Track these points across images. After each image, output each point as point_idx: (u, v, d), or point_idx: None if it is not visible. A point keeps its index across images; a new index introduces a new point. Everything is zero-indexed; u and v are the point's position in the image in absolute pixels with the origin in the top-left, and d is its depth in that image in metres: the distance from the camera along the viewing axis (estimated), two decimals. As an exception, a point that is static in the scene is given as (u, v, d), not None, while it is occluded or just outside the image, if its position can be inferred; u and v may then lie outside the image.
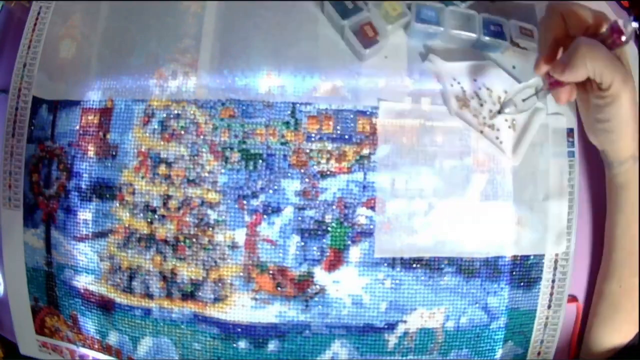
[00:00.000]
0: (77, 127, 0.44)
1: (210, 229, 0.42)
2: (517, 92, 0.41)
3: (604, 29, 0.37)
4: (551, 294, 0.43)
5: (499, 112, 0.42)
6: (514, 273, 0.43)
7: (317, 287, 0.42)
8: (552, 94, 0.40)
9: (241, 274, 0.42)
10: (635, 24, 0.35)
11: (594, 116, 0.39)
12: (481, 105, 0.43)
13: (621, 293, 0.41)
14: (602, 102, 0.37)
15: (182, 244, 0.42)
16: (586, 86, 0.38)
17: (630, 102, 0.37)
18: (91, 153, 0.44)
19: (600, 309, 0.42)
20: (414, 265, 0.42)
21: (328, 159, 0.42)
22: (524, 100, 0.41)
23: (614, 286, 0.41)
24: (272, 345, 0.42)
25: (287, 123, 0.42)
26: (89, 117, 0.44)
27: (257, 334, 0.42)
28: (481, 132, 0.42)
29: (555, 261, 0.43)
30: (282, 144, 0.42)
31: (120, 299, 0.43)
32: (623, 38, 0.35)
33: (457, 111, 0.42)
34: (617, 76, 0.36)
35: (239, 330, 0.42)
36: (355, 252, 0.42)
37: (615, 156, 0.40)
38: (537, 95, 0.40)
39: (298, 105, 0.43)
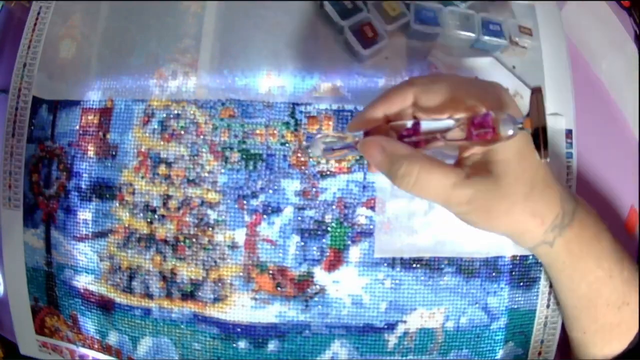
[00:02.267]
0: (77, 127, 0.44)
1: (210, 229, 0.42)
2: (326, 137, 0.34)
3: (468, 114, 0.30)
4: (550, 294, 0.43)
5: (306, 147, 0.40)
6: (513, 273, 0.43)
7: (317, 287, 0.42)
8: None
9: (241, 274, 0.42)
10: (511, 132, 0.27)
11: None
12: None
13: (588, 336, 0.39)
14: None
15: (182, 244, 0.42)
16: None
17: (505, 217, 0.32)
18: (91, 153, 0.44)
19: (573, 344, 0.41)
20: (414, 265, 0.42)
21: (328, 159, 0.42)
22: (334, 149, 0.34)
23: (579, 334, 0.40)
24: (272, 345, 0.42)
25: (287, 123, 0.42)
26: (89, 117, 0.44)
27: (257, 334, 0.42)
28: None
29: (555, 261, 0.43)
30: (282, 144, 0.42)
31: (120, 298, 0.43)
32: (510, 131, 0.27)
33: None
34: (463, 209, 0.32)
35: (239, 330, 0.42)
36: (355, 252, 0.42)
37: (525, 246, 0.37)
38: (348, 150, 0.34)
39: (298, 105, 0.43)
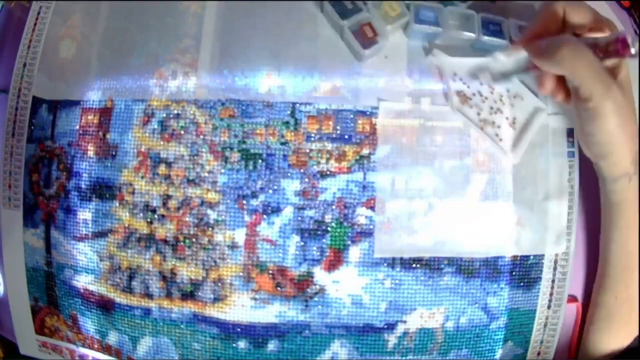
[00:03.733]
0: (77, 127, 0.44)
1: (210, 228, 0.42)
2: (499, 61, 0.40)
3: (608, 34, 0.35)
4: (551, 294, 0.43)
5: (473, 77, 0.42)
6: (513, 273, 0.42)
7: (317, 287, 0.42)
8: (536, 78, 0.39)
9: (241, 273, 0.42)
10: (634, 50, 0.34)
11: (581, 127, 0.38)
12: (483, 101, 0.43)
13: (617, 304, 0.40)
14: (584, 114, 0.36)
15: (182, 243, 0.42)
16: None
17: (617, 117, 0.35)
18: (91, 153, 0.44)
19: (596, 318, 0.42)
20: (414, 265, 0.42)
21: (328, 159, 0.42)
22: (503, 74, 0.40)
23: (610, 298, 0.41)
24: (271, 345, 0.42)
25: (287, 123, 0.42)
26: (89, 117, 0.44)
27: (256, 333, 0.42)
28: (481, 128, 0.42)
29: (555, 261, 0.43)
30: (281, 144, 0.42)
31: (120, 298, 0.43)
32: (632, 50, 0.34)
33: (459, 107, 0.42)
34: (596, 89, 0.34)
35: (239, 330, 0.42)
36: (355, 252, 0.42)
37: (609, 172, 0.39)
38: (517, 71, 0.39)
39: (298, 105, 0.43)
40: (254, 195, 0.42)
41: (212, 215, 0.42)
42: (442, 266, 0.42)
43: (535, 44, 0.36)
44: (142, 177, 0.43)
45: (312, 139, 0.42)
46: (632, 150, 0.37)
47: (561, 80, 0.38)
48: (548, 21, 0.37)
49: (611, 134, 0.36)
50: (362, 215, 0.42)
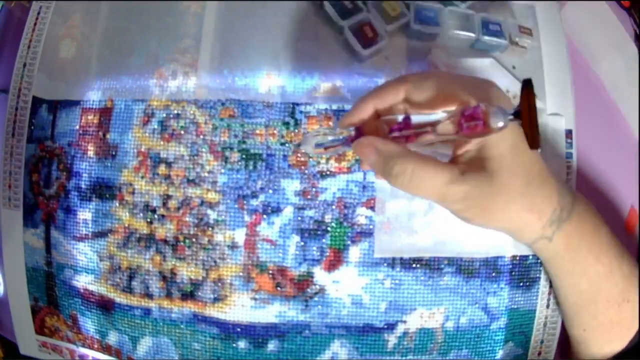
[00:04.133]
0: (77, 127, 0.44)
1: (210, 228, 0.42)
2: (317, 134, 0.34)
3: (454, 110, 0.30)
4: (550, 294, 0.43)
5: (297, 145, 0.41)
6: (513, 273, 0.43)
7: (317, 287, 0.42)
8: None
9: (241, 273, 0.42)
10: (501, 124, 0.27)
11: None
12: None
13: (588, 334, 0.39)
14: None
15: (182, 243, 0.42)
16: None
17: (501, 208, 0.32)
18: (91, 153, 0.44)
19: (574, 344, 0.41)
20: (414, 265, 0.42)
21: (328, 159, 0.42)
22: (326, 148, 0.34)
23: (578, 331, 0.40)
24: (271, 345, 0.42)
25: (287, 123, 0.42)
26: (89, 117, 0.44)
27: (256, 333, 0.42)
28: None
29: (555, 261, 0.43)
30: (281, 144, 0.42)
31: (120, 298, 0.43)
32: (498, 123, 0.27)
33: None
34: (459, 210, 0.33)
35: (239, 330, 0.42)
36: (355, 252, 0.42)
37: (523, 241, 0.37)
38: (341, 146, 0.34)
39: (298, 105, 0.43)
40: (254, 195, 0.42)
41: (212, 215, 0.42)
42: (442, 266, 0.42)
43: (369, 144, 0.32)
44: (142, 177, 0.43)
45: (312, 139, 0.42)
46: (546, 213, 0.34)
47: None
48: (385, 99, 0.33)
49: (506, 224, 0.34)
50: (362, 215, 0.42)
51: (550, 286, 0.42)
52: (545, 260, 0.39)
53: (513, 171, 0.32)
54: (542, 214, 0.34)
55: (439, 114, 0.30)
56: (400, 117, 0.31)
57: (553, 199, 0.34)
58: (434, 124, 0.30)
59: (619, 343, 0.39)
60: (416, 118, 0.31)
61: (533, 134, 0.27)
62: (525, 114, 0.27)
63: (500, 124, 0.27)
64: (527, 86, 0.27)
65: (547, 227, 0.34)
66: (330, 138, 0.34)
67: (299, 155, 0.42)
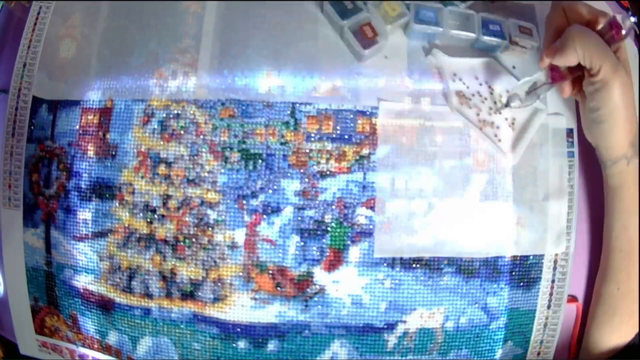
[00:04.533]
0: (77, 127, 0.44)
1: (210, 228, 0.42)
2: (521, 85, 0.42)
3: (603, 24, 0.38)
4: (551, 294, 0.43)
5: (506, 105, 0.42)
6: (513, 273, 0.42)
7: (317, 287, 0.42)
8: (559, 88, 0.41)
9: (241, 273, 0.42)
10: (633, 19, 0.36)
11: (586, 106, 0.40)
12: (482, 102, 0.43)
13: (619, 296, 0.41)
14: (591, 89, 0.38)
15: (182, 243, 0.42)
16: (583, 78, 0.39)
17: (622, 93, 0.37)
18: (91, 153, 0.44)
19: (599, 311, 0.42)
20: (414, 265, 0.42)
21: (328, 159, 0.42)
22: (527, 93, 0.41)
23: (612, 289, 0.41)
24: (271, 345, 0.42)
25: (287, 123, 0.42)
26: (89, 117, 0.44)
27: (256, 333, 0.42)
28: (480, 129, 0.42)
29: (555, 261, 0.43)
30: (281, 144, 0.42)
31: (120, 298, 0.43)
32: (623, 32, 0.36)
33: (458, 107, 0.42)
34: (606, 62, 0.36)
35: (239, 330, 0.42)
36: (354, 252, 0.42)
37: (608, 154, 0.40)
38: (541, 88, 0.41)
39: (298, 105, 0.43)
40: (254, 195, 0.42)
41: (212, 215, 0.42)
42: (442, 266, 0.42)
43: (550, 47, 0.39)
44: (142, 177, 0.43)
45: (312, 139, 0.42)
46: (631, 132, 0.39)
47: (576, 83, 0.40)
48: (557, 25, 0.40)
49: (615, 108, 0.38)
50: (362, 215, 0.42)
51: (552, 286, 0.42)
52: (614, 189, 0.41)
53: (631, 81, 0.38)
54: (631, 130, 0.39)
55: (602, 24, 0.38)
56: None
57: (636, 125, 0.39)
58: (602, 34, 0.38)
59: (630, 333, 0.40)
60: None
61: None
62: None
63: (632, 19, 0.37)
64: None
65: (631, 147, 0.39)
66: (537, 83, 0.41)
67: (298, 155, 0.42)
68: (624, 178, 0.40)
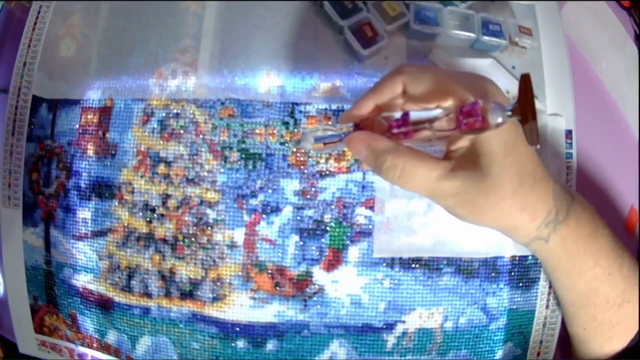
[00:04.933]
0: (77, 126, 0.44)
1: (209, 228, 0.42)
2: (317, 130, 0.34)
3: (451, 105, 0.30)
4: (549, 294, 0.43)
5: (296, 143, 0.40)
6: (512, 274, 0.42)
7: (316, 286, 0.42)
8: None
9: (240, 273, 0.42)
10: (500, 120, 0.27)
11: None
12: None
13: (588, 333, 0.39)
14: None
15: (181, 243, 0.42)
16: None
17: (495, 208, 0.32)
18: (90, 152, 0.44)
19: (575, 343, 0.41)
20: (413, 265, 0.42)
21: (327, 159, 0.42)
22: (325, 143, 0.34)
23: (578, 330, 0.40)
24: (270, 345, 0.42)
25: (287, 123, 0.42)
26: (89, 116, 0.44)
27: (255, 333, 0.42)
28: None
29: (555, 261, 0.43)
30: (281, 143, 0.42)
31: (119, 297, 0.43)
32: (496, 119, 0.27)
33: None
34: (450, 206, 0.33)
35: (238, 329, 0.42)
36: (354, 252, 0.42)
37: (519, 241, 0.36)
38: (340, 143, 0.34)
39: (297, 105, 0.43)
40: (253, 194, 0.42)
41: (212, 214, 0.42)
42: (441, 266, 0.42)
43: (360, 139, 0.32)
44: (142, 177, 0.43)
45: (312, 138, 0.42)
46: (540, 214, 0.33)
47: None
48: (383, 94, 0.33)
49: (499, 223, 0.34)
50: (361, 215, 0.42)
51: (550, 286, 0.42)
52: (543, 261, 0.39)
53: (505, 169, 0.31)
54: (535, 214, 0.33)
55: (436, 111, 0.30)
56: (398, 114, 0.31)
57: (548, 200, 0.34)
58: (431, 121, 0.29)
59: (619, 342, 0.38)
60: (414, 115, 0.31)
61: (532, 130, 0.26)
62: (524, 110, 0.26)
63: (499, 119, 0.26)
64: (525, 82, 0.27)
65: (542, 229, 0.34)
66: (329, 133, 0.33)
67: (298, 154, 0.42)
68: (548, 254, 0.36)
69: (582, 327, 0.39)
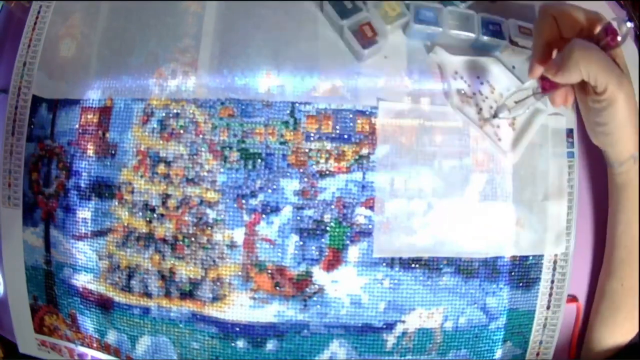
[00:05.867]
0: (77, 126, 0.44)
1: (209, 228, 0.42)
2: (510, 95, 0.40)
3: (598, 30, 0.36)
4: (550, 295, 0.43)
5: (494, 116, 0.41)
6: (512, 274, 0.42)
7: (316, 286, 0.42)
8: (549, 98, 0.40)
9: (240, 273, 0.42)
10: (629, 24, 0.35)
11: (592, 119, 0.39)
12: (483, 101, 0.43)
13: (623, 292, 0.41)
14: (598, 106, 0.37)
15: (181, 243, 0.42)
16: (583, 88, 0.38)
17: (627, 105, 0.36)
18: (90, 152, 0.44)
19: (602, 307, 0.42)
20: (413, 265, 0.42)
21: (327, 159, 0.42)
22: (517, 102, 0.40)
23: (616, 285, 0.41)
24: (270, 345, 0.42)
25: (286, 123, 0.42)
26: (89, 116, 0.44)
27: (255, 333, 0.42)
28: (481, 127, 0.42)
29: (554, 262, 0.43)
30: (281, 143, 0.42)
31: (119, 297, 0.43)
32: (618, 39, 0.35)
33: (459, 105, 0.42)
34: (611, 80, 0.35)
35: (238, 329, 0.42)
36: (354, 252, 0.42)
37: (616, 157, 0.40)
38: (530, 98, 0.40)
39: (297, 104, 0.43)
40: (253, 194, 0.42)
41: (211, 214, 0.42)
42: (441, 266, 0.42)
43: (549, 64, 0.37)
44: (142, 176, 0.43)
45: (312, 138, 0.42)
46: (636, 134, 0.38)
47: (568, 91, 0.39)
48: (548, 36, 0.38)
49: (622, 121, 0.37)
50: (361, 215, 0.42)
51: (551, 287, 0.42)
52: (620, 186, 0.41)
53: (631, 83, 0.37)
54: (635, 135, 0.38)
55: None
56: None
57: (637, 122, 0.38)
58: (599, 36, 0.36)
59: (632, 330, 0.40)
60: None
61: None
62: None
63: (629, 24, 0.35)
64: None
65: (636, 148, 0.38)
66: (523, 96, 0.40)
67: (298, 154, 0.42)
68: (631, 176, 0.40)
69: (621, 281, 0.41)
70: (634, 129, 0.38)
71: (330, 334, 0.42)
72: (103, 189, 0.43)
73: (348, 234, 0.42)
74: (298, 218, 0.42)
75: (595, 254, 0.44)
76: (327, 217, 0.42)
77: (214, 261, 0.42)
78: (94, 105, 0.44)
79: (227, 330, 0.42)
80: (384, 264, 0.42)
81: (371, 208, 0.42)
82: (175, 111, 0.43)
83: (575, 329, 0.44)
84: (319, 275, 0.41)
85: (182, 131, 0.43)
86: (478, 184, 0.42)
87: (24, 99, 0.46)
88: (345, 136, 0.42)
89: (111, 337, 0.45)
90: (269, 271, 0.42)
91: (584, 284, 0.44)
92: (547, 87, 0.38)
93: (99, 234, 0.43)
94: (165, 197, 0.42)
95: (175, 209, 0.42)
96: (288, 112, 0.42)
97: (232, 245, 0.42)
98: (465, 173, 0.42)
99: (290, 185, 0.42)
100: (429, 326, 0.42)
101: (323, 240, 0.42)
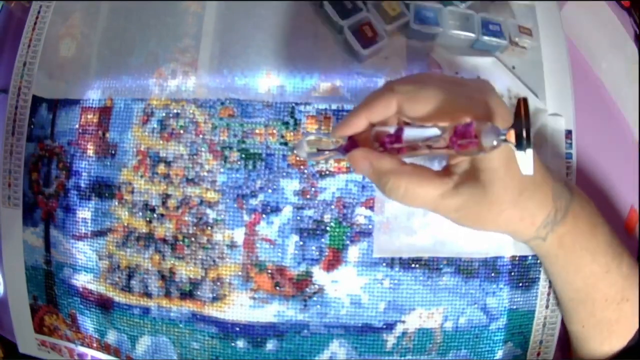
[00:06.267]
0: (77, 126, 0.44)
1: (209, 228, 0.42)
2: (313, 138, 0.33)
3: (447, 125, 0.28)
4: (549, 294, 0.43)
5: (292, 149, 0.40)
6: (512, 274, 0.42)
7: (316, 286, 0.42)
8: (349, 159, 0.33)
9: (240, 273, 0.42)
10: (496, 142, 0.26)
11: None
12: None
13: (587, 331, 0.39)
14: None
15: (181, 243, 0.42)
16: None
17: (496, 220, 0.33)
18: (90, 152, 0.44)
19: (574, 343, 0.41)
20: (413, 265, 0.42)
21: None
22: (311, 149, 0.33)
23: (577, 327, 0.40)
24: (270, 345, 0.42)
25: (287, 123, 0.42)
26: (89, 116, 0.44)
27: (255, 333, 0.42)
28: None
29: (554, 262, 0.43)
30: (281, 143, 0.42)
31: (119, 297, 0.43)
32: (490, 142, 0.26)
33: None
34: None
35: (238, 329, 0.42)
36: (354, 252, 0.42)
37: (519, 240, 0.37)
38: (335, 152, 0.33)
39: (297, 105, 0.43)
40: (253, 194, 0.42)
41: (212, 214, 0.42)
42: (441, 266, 0.42)
43: (363, 158, 0.31)
44: (142, 176, 0.43)
45: (312, 138, 0.42)
46: (539, 218, 0.34)
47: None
48: (376, 114, 0.31)
49: (500, 229, 0.35)
50: (361, 215, 0.42)
51: (550, 286, 0.42)
52: (541, 257, 0.39)
53: (506, 184, 0.31)
54: (534, 219, 0.34)
55: (432, 130, 0.29)
56: (392, 129, 0.30)
57: (547, 203, 0.34)
58: (427, 140, 0.29)
59: (619, 341, 0.39)
60: (409, 133, 0.30)
61: (526, 158, 0.26)
62: (519, 136, 0.26)
63: (494, 143, 0.26)
64: (522, 105, 0.26)
65: (540, 230, 0.35)
66: (323, 145, 0.33)
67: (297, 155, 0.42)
68: (545, 250, 0.37)
69: (580, 324, 0.39)
70: (530, 218, 0.34)
71: (330, 334, 0.42)
72: (103, 189, 0.43)
73: (348, 234, 0.42)
74: (298, 218, 0.42)
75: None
76: (327, 217, 0.42)
77: (214, 261, 0.42)
78: (94, 105, 0.44)
79: (227, 330, 0.42)
80: (384, 264, 0.42)
81: (371, 208, 0.42)
82: (175, 111, 0.43)
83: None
84: (319, 275, 0.42)
85: (182, 131, 0.43)
86: (478, 184, 0.42)
87: (24, 99, 0.46)
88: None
89: (111, 337, 0.45)
90: (269, 271, 0.42)
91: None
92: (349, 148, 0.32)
93: (99, 234, 0.43)
94: (165, 197, 0.42)
95: (175, 209, 0.42)
96: (288, 112, 0.42)
97: (232, 245, 0.42)
98: (465, 173, 0.42)
99: (291, 186, 0.42)
100: (429, 326, 0.42)
101: (323, 240, 0.42)
